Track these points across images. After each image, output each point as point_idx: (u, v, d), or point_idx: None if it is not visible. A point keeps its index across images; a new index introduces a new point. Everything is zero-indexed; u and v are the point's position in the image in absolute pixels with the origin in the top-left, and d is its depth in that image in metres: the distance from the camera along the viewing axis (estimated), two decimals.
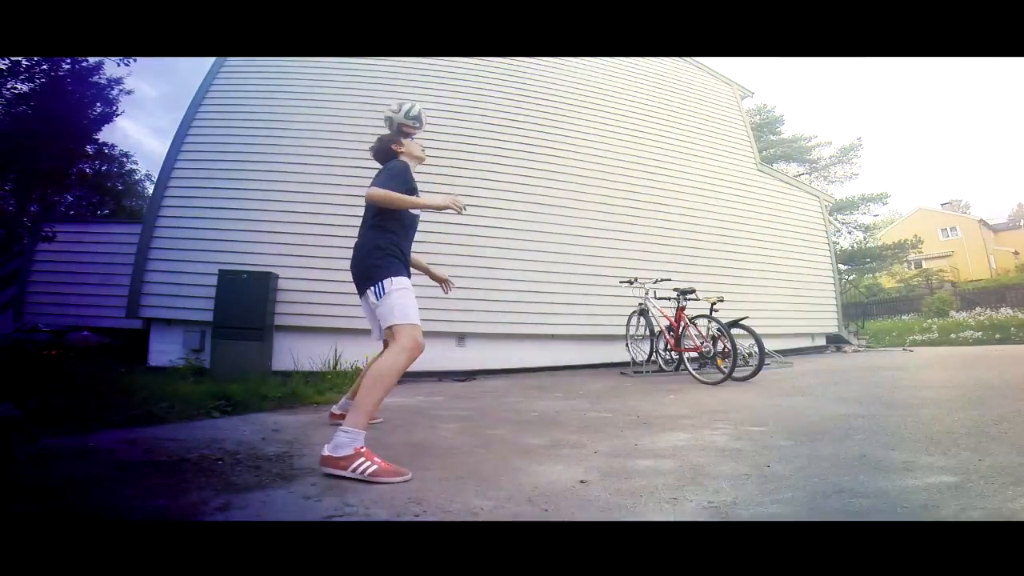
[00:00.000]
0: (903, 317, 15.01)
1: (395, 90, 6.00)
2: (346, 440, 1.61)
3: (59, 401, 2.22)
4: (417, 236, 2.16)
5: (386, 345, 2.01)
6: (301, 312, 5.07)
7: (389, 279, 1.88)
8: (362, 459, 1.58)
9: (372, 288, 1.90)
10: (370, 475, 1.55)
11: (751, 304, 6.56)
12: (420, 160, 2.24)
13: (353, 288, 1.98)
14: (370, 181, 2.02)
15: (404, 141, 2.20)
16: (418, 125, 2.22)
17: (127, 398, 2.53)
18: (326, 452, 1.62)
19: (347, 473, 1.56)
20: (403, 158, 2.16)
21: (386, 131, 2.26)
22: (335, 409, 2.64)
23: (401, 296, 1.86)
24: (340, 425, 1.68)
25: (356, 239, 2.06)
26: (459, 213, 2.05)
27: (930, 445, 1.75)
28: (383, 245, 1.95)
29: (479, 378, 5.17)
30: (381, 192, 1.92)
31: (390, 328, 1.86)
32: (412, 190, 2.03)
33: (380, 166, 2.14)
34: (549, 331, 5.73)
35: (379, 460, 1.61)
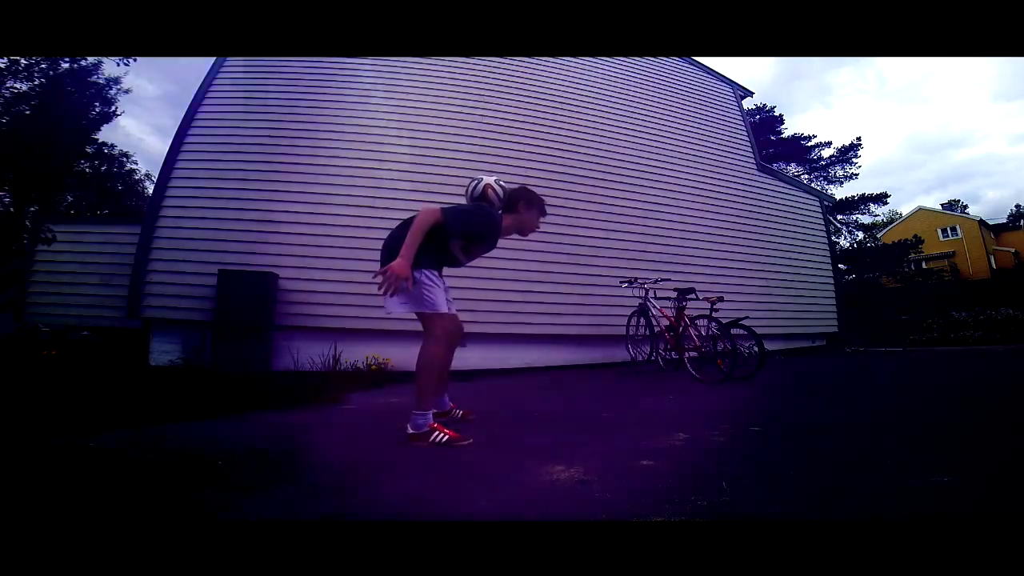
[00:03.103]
0: (903, 317, 15.00)
1: (395, 90, 6.02)
2: (421, 421, 1.98)
3: (59, 401, 2.22)
4: None
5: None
6: (301, 312, 5.07)
7: (420, 270, 1.99)
8: (436, 432, 1.96)
9: None
10: (445, 443, 1.92)
11: (751, 304, 6.58)
12: (510, 234, 2.28)
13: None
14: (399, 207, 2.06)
15: (527, 212, 2.24)
16: (536, 219, 2.29)
17: (127, 398, 2.53)
18: (410, 431, 1.97)
19: (428, 444, 1.91)
20: (508, 218, 2.20)
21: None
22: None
23: (430, 288, 2.02)
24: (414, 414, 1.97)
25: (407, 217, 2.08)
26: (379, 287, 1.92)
27: (930, 445, 1.75)
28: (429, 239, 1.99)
29: (479, 378, 5.16)
30: (428, 217, 1.94)
31: (419, 315, 2.03)
32: (467, 236, 2.09)
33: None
34: (549, 331, 5.73)
35: (448, 431, 1.97)
